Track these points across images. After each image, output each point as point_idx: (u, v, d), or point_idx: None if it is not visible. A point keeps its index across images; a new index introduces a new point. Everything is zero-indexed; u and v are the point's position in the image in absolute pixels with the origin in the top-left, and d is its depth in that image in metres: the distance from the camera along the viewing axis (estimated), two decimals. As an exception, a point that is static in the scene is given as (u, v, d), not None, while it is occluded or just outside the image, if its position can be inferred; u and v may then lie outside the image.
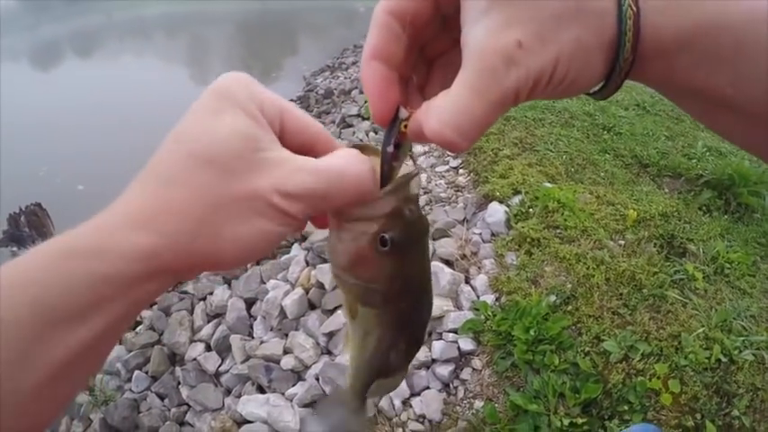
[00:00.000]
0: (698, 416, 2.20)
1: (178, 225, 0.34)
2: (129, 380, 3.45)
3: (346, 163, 0.38)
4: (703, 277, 2.86)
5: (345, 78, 10.70)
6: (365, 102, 6.97)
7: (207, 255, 0.35)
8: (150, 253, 0.34)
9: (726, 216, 3.49)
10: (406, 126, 0.39)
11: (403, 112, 0.38)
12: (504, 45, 0.33)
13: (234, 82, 0.37)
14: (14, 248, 4.07)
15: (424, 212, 0.43)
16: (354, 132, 6.58)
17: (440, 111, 0.36)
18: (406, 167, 0.42)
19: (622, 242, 3.14)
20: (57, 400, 0.33)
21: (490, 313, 2.67)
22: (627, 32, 0.34)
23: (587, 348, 2.45)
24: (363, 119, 6.94)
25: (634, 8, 0.34)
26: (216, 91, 0.37)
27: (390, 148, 0.39)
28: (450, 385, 2.51)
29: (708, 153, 4.28)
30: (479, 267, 3.05)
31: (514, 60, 0.33)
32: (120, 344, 3.88)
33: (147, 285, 0.35)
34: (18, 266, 0.33)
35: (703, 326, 2.52)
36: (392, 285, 0.41)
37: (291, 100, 10.91)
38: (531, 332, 2.45)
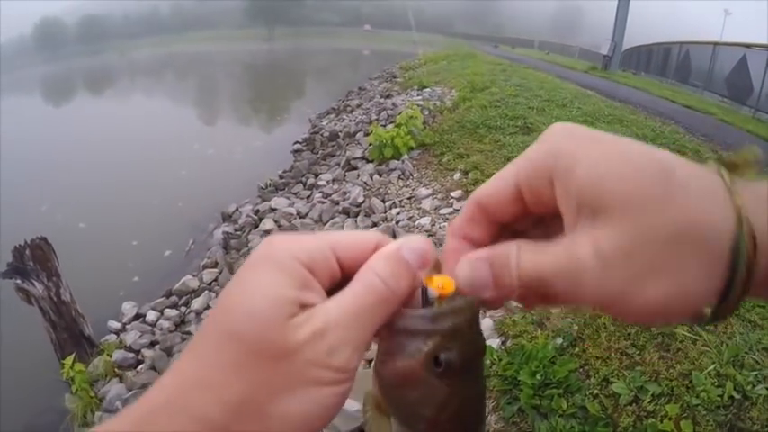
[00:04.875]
0: (712, 457, 2.13)
1: (215, 408, 0.31)
2: (130, 420, 3.41)
3: (366, 288, 0.35)
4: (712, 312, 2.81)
5: (350, 121, 10.82)
6: (369, 144, 7.04)
7: None
8: None
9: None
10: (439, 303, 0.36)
11: (431, 292, 0.36)
12: (583, 250, 0.31)
13: (273, 241, 0.35)
14: (18, 281, 4.07)
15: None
16: (359, 175, 6.63)
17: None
18: None
19: (629, 280, 3.10)
20: None
21: (496, 357, 2.63)
22: (740, 267, 0.29)
23: (596, 391, 2.40)
24: (368, 161, 7.00)
25: (751, 249, 0.29)
26: (256, 254, 0.35)
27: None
28: (456, 432, 2.46)
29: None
30: (484, 311, 3.01)
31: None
32: (121, 382, 3.86)
33: None
34: None
35: (714, 362, 2.47)
36: (442, 413, 0.36)
37: (297, 142, 11.08)
38: (538, 376, 2.40)
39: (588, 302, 0.32)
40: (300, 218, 6.04)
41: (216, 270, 5.40)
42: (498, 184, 0.38)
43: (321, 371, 0.32)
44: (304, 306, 0.33)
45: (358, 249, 0.37)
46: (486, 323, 2.91)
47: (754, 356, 2.50)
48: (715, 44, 14.07)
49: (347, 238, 0.37)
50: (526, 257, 0.33)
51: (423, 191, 5.47)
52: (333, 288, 0.35)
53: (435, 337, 0.35)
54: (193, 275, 5.39)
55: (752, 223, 0.29)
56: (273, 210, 6.50)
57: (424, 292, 0.36)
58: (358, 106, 12.95)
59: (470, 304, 0.36)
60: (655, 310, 0.30)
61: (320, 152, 9.38)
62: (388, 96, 12.46)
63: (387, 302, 0.34)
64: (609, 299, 0.30)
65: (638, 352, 2.59)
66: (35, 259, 4.16)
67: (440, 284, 0.36)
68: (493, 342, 2.77)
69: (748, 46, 12.12)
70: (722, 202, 0.30)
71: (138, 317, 4.94)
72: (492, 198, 0.38)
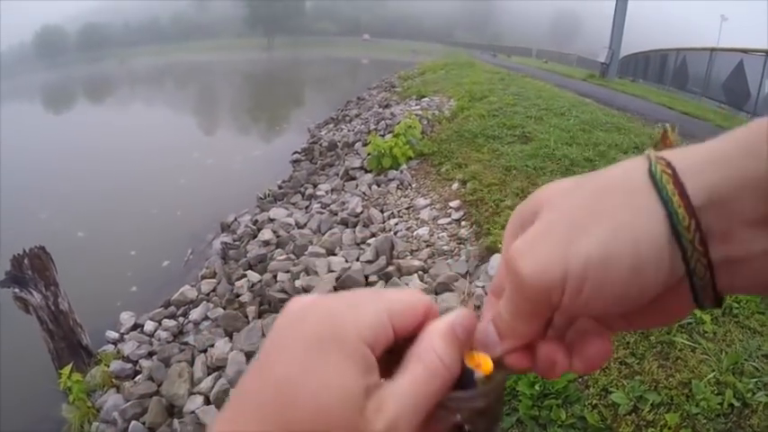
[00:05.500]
0: (712, 467, 2.12)
1: None
2: (126, 430, 3.42)
3: (431, 372, 0.34)
4: (712, 319, 2.81)
5: (349, 131, 10.84)
6: (368, 154, 7.05)
7: None
8: None
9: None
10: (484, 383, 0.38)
11: (478, 374, 0.37)
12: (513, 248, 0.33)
13: (337, 316, 0.33)
14: (16, 290, 4.07)
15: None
16: (358, 185, 6.63)
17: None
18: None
19: (627, 289, 3.10)
20: None
21: (494, 367, 2.61)
22: (672, 200, 0.29)
23: (595, 401, 2.39)
24: (366, 171, 7.01)
25: (669, 171, 0.30)
26: (320, 332, 0.32)
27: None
28: (455, 443, 2.44)
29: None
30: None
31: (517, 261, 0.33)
32: (118, 392, 3.85)
33: None
34: None
35: (714, 370, 2.46)
36: None
37: (296, 152, 11.09)
38: (537, 386, 2.39)
39: (546, 294, 0.32)
40: (299, 228, 6.04)
41: (214, 280, 5.39)
42: (499, 268, 0.40)
43: None
44: (368, 390, 0.32)
45: (410, 316, 0.36)
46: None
47: (753, 364, 2.50)
48: (712, 50, 14.14)
49: (401, 304, 0.36)
50: (502, 304, 0.36)
51: (421, 201, 5.47)
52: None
53: (465, 412, 0.36)
54: (192, 286, 5.38)
55: (675, 165, 0.30)
56: (272, 220, 6.50)
57: (465, 369, 0.37)
58: (357, 116, 12.98)
59: (502, 384, 0.38)
60: (602, 262, 0.30)
61: (319, 162, 9.38)
62: (387, 106, 12.49)
63: (445, 382, 0.35)
64: (556, 275, 0.31)
65: (637, 361, 2.58)
66: (33, 268, 4.16)
67: (478, 363, 0.37)
68: (491, 352, 2.76)
69: (745, 51, 12.18)
70: (637, 164, 0.32)
71: (136, 327, 4.92)
72: (497, 279, 0.40)
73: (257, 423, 0.30)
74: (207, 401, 3.40)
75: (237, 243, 6.27)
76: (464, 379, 0.36)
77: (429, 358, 0.34)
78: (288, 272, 4.76)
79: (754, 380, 2.39)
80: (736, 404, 2.29)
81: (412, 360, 0.34)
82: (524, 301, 0.33)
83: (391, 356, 0.35)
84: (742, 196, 0.28)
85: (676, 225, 0.29)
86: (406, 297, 0.37)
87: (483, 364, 0.37)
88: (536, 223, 0.33)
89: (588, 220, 0.30)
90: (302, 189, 7.84)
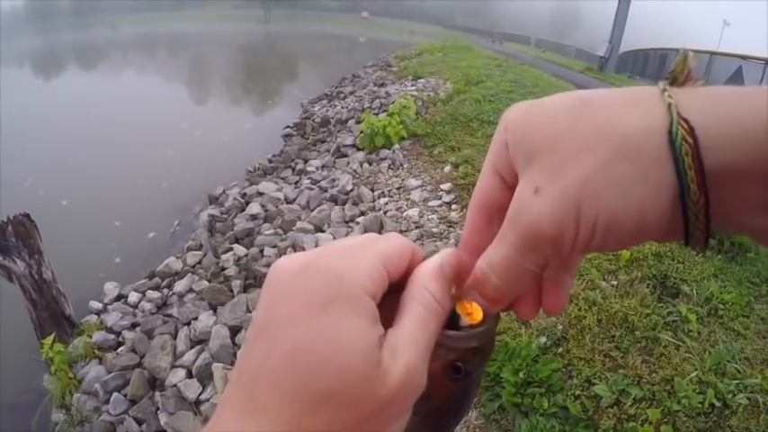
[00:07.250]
0: (691, 464, 2.14)
1: None
2: (107, 402, 3.39)
3: (429, 312, 0.35)
4: (697, 319, 2.82)
5: (342, 108, 10.75)
6: (361, 132, 6.99)
7: None
8: None
9: (719, 256, 3.47)
10: (471, 325, 0.39)
11: (464, 321, 0.38)
12: (521, 194, 0.33)
13: (339, 274, 0.32)
14: (0, 258, 4.00)
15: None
16: (349, 162, 6.58)
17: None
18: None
19: (615, 282, 3.11)
20: None
21: (479, 353, 2.61)
22: (681, 152, 0.29)
23: (578, 392, 2.40)
24: (358, 149, 6.96)
25: (690, 141, 0.28)
26: (323, 291, 0.31)
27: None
28: (437, 427, 2.45)
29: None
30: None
31: (527, 207, 0.32)
32: (100, 364, 3.83)
33: None
34: None
35: (696, 369, 2.48)
36: (447, 403, 0.41)
37: (288, 127, 10.97)
38: (521, 374, 2.39)
39: (550, 238, 0.32)
40: (288, 203, 5.99)
41: (200, 253, 5.34)
42: (482, 178, 0.39)
43: (413, 397, 0.33)
44: (379, 341, 0.32)
45: (400, 261, 0.36)
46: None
47: (735, 365, 2.51)
48: (711, 53, 14.14)
49: (392, 249, 0.36)
50: (488, 252, 0.36)
51: (412, 182, 5.44)
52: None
53: (461, 351, 0.38)
54: (177, 257, 5.32)
55: (698, 133, 0.28)
56: (261, 194, 6.44)
57: (454, 315, 0.38)
58: (351, 93, 12.88)
59: (494, 326, 0.39)
60: (610, 222, 0.30)
61: (311, 138, 9.31)
62: (382, 85, 12.40)
63: (441, 319, 0.36)
64: (571, 230, 0.31)
65: (621, 355, 2.59)
66: (17, 236, 4.08)
67: (469, 311, 0.38)
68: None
69: (744, 58, 12.20)
70: (653, 104, 0.31)
71: (120, 298, 4.87)
72: (483, 193, 0.39)
73: (276, 398, 0.29)
74: (189, 375, 3.38)
75: (225, 216, 6.21)
76: (452, 317, 0.38)
77: (425, 299, 0.35)
78: (275, 247, 4.73)
79: (736, 381, 2.41)
80: (717, 404, 2.30)
81: (408, 303, 0.35)
82: (532, 252, 0.33)
83: (381, 303, 0.34)
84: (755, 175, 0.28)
85: (686, 200, 0.29)
86: (395, 242, 0.37)
87: (474, 312, 0.38)
88: (539, 168, 0.32)
89: (601, 183, 0.30)
90: (293, 164, 7.78)
